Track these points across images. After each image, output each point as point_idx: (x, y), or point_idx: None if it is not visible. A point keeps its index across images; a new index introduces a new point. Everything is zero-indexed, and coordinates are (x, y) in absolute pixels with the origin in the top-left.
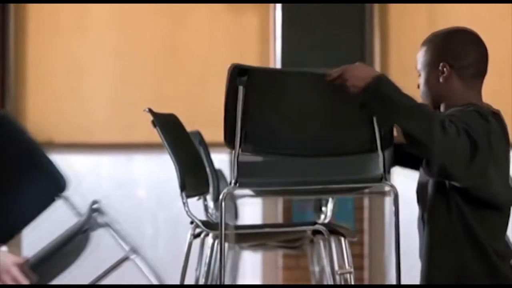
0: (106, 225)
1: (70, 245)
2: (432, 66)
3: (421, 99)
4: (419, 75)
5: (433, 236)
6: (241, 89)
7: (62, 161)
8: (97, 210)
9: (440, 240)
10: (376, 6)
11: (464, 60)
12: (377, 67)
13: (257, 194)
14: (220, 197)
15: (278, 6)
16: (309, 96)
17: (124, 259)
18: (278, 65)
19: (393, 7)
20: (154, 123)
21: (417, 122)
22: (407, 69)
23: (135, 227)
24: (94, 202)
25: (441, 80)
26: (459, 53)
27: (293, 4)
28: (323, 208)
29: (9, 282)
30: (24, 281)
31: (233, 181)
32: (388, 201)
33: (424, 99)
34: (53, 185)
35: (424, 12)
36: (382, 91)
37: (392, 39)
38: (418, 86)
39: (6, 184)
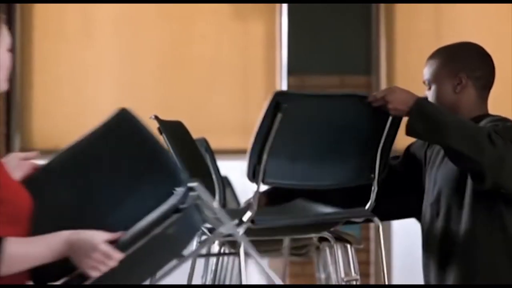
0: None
1: (168, 229)
2: (448, 77)
3: None
4: (429, 88)
5: (471, 240)
6: (279, 116)
7: None
8: (192, 189)
9: (480, 243)
10: (382, 6)
11: (479, 71)
12: (383, 69)
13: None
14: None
15: (284, 7)
16: (346, 119)
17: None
18: (284, 70)
19: (399, 7)
20: (160, 131)
21: (465, 138)
22: (413, 70)
23: None
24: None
25: (457, 90)
26: (475, 64)
27: (299, 5)
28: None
29: (100, 258)
30: (117, 256)
31: (249, 217)
32: None
33: None
34: (173, 180)
35: (430, 12)
36: (427, 113)
37: (398, 40)
38: (427, 98)
39: (131, 185)
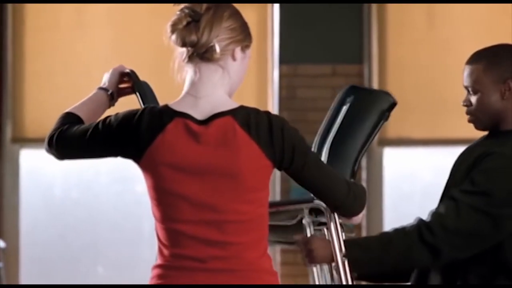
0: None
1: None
2: (495, 82)
3: (471, 117)
4: (472, 93)
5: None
6: (344, 109)
7: None
8: None
9: None
10: (374, 6)
11: None
12: (375, 58)
13: None
14: None
15: (276, 6)
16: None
17: None
18: (276, 59)
19: (391, 7)
20: None
21: (399, 260)
22: (405, 59)
23: (134, 223)
24: None
25: (505, 97)
26: None
27: (291, 4)
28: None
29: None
30: None
31: None
32: (386, 197)
33: (480, 118)
34: None
35: (422, 11)
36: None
37: (390, 29)
38: (469, 104)
39: None
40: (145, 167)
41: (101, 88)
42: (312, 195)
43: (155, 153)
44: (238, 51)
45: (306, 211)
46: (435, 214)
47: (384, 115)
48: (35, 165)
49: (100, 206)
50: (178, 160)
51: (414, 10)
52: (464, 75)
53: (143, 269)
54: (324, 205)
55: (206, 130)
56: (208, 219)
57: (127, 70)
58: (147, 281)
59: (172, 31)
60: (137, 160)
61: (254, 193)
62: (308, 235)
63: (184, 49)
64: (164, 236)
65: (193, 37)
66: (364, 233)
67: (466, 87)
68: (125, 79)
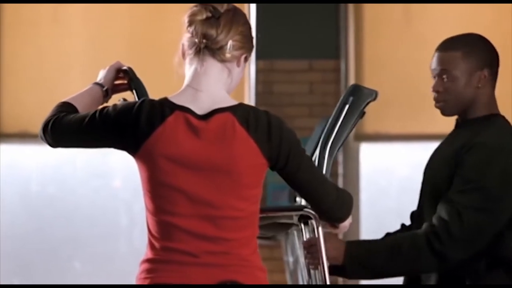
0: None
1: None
2: (474, 70)
3: (441, 103)
4: (446, 79)
5: None
6: (346, 108)
7: (37, 151)
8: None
9: None
10: (351, 6)
11: (497, 67)
12: (352, 53)
13: None
14: None
15: (253, 6)
16: None
17: None
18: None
19: (367, 7)
20: None
21: (406, 266)
22: (382, 53)
23: (110, 218)
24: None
25: (479, 85)
26: (495, 60)
27: (268, 4)
28: (297, 198)
29: None
30: None
31: None
32: (363, 192)
33: (450, 104)
34: None
35: (399, 7)
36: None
37: (367, 24)
38: (440, 90)
39: None
40: (142, 159)
41: (96, 84)
42: (301, 201)
43: (153, 145)
44: (243, 58)
45: (295, 218)
46: (440, 220)
47: (362, 112)
48: (12, 160)
49: (77, 201)
50: (176, 153)
51: (391, 6)
52: (436, 61)
53: (120, 263)
54: (313, 212)
55: (206, 125)
56: (203, 213)
57: (125, 67)
58: (124, 276)
59: (190, 22)
60: (134, 151)
61: (249, 190)
62: (304, 239)
63: (195, 41)
64: (157, 229)
65: (213, 31)
66: None
67: (439, 73)
68: (120, 75)
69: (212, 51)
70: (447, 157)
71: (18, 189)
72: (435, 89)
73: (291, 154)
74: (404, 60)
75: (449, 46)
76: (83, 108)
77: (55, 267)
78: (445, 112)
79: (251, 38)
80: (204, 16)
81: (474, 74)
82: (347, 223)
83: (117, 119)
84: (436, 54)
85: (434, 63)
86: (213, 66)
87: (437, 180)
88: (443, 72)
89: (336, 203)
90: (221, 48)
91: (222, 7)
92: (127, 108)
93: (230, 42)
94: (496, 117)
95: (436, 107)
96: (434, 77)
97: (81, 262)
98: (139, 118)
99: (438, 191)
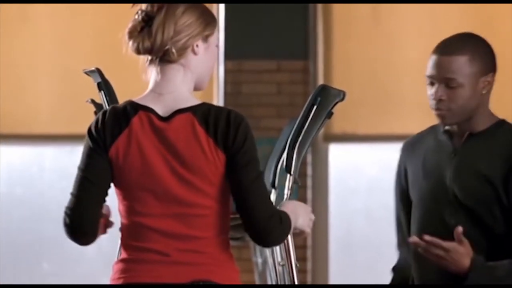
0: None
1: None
2: (479, 75)
3: (444, 111)
4: (451, 86)
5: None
6: (314, 108)
7: (5, 152)
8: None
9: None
10: (320, 6)
11: (495, 71)
12: (320, 54)
13: None
14: None
15: (222, 6)
16: None
17: None
18: (221, 55)
19: (336, 7)
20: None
21: None
22: (351, 54)
23: None
24: None
25: (484, 92)
26: (495, 64)
27: (236, 4)
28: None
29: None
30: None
31: None
32: (332, 192)
33: (455, 113)
34: None
35: (368, 7)
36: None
37: (336, 25)
38: (442, 99)
39: None
40: (112, 162)
41: None
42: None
43: (121, 147)
44: (199, 44)
45: None
46: None
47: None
48: None
49: (45, 203)
50: (143, 153)
51: (360, 6)
52: (439, 66)
53: (87, 265)
54: None
55: (168, 126)
56: (173, 212)
57: (93, 68)
58: (91, 277)
59: (129, 39)
60: (106, 155)
61: (214, 188)
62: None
63: (141, 56)
64: (129, 230)
65: (147, 44)
66: None
67: (443, 80)
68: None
69: (160, 58)
70: (486, 174)
71: None
72: (438, 97)
73: (244, 149)
74: (372, 60)
75: (453, 49)
76: None
77: (22, 268)
78: (448, 121)
79: (200, 20)
80: (138, 29)
81: (479, 79)
82: (304, 234)
83: (91, 143)
84: (437, 58)
85: (434, 68)
86: (168, 69)
87: (477, 197)
88: (447, 79)
89: (269, 222)
90: (165, 53)
91: (154, 9)
92: (93, 127)
93: (169, 44)
94: (504, 123)
95: (437, 115)
96: (432, 83)
97: (48, 263)
98: (105, 129)
99: (481, 209)
